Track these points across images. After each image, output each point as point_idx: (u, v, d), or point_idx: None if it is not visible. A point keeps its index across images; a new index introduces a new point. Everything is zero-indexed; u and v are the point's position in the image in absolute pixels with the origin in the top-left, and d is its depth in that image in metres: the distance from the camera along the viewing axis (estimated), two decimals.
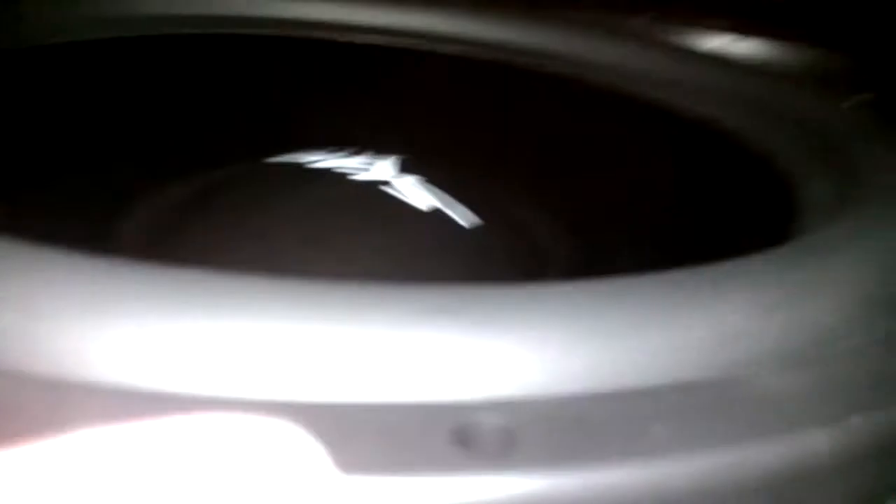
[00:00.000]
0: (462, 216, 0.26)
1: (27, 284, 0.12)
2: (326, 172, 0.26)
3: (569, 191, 0.32)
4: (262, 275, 0.13)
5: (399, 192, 0.26)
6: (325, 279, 0.13)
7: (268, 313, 0.12)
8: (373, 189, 0.26)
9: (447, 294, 0.13)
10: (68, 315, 0.12)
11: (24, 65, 0.28)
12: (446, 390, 0.12)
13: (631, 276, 0.14)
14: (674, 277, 0.14)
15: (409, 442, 0.11)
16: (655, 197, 0.30)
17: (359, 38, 0.35)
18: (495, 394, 0.12)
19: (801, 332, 0.14)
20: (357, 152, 0.28)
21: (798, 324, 0.14)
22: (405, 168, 0.27)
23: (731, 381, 0.13)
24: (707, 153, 0.29)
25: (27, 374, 0.12)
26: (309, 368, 0.12)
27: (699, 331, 0.13)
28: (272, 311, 0.12)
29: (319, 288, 0.13)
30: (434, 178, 0.27)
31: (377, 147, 0.28)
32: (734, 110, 0.30)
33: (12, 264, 0.13)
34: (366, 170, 0.27)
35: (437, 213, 0.25)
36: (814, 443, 0.12)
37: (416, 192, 0.26)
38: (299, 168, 0.27)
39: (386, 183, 0.26)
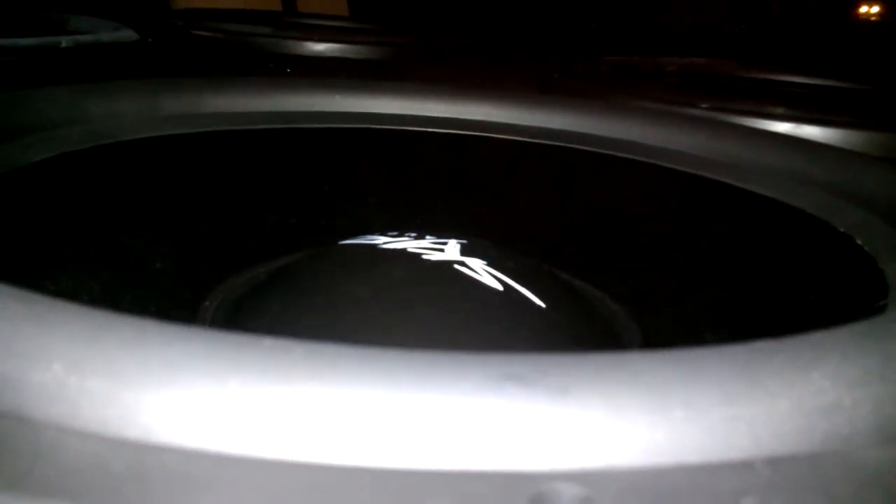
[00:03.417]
0: (532, 294, 0.26)
1: (116, 352, 0.13)
2: (399, 253, 0.27)
3: (637, 269, 0.31)
4: (342, 344, 0.13)
5: (470, 271, 0.26)
6: (405, 349, 0.13)
7: (347, 381, 0.12)
8: (445, 269, 0.26)
9: (530, 362, 0.13)
10: (149, 380, 0.12)
11: (117, 157, 0.30)
12: (527, 459, 0.12)
13: (718, 345, 0.14)
14: (763, 347, 0.14)
15: None
16: (728, 277, 0.29)
17: (430, 129, 0.37)
18: (577, 464, 0.12)
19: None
20: (423, 234, 0.28)
21: (893, 396, 0.13)
22: (471, 249, 0.27)
23: (825, 455, 0.12)
24: (786, 231, 0.29)
25: (113, 437, 0.12)
26: (389, 434, 0.12)
27: (791, 403, 0.13)
28: (351, 379, 0.12)
29: (398, 357, 0.13)
30: (498, 257, 0.27)
31: (443, 229, 0.29)
32: (813, 188, 0.30)
33: (108, 335, 0.13)
34: (436, 250, 0.27)
35: (509, 292, 0.25)
36: None
37: (486, 272, 0.26)
38: (372, 249, 0.27)
39: (457, 263, 0.26)
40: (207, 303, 0.28)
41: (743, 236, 0.31)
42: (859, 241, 0.26)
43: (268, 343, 0.13)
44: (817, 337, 0.15)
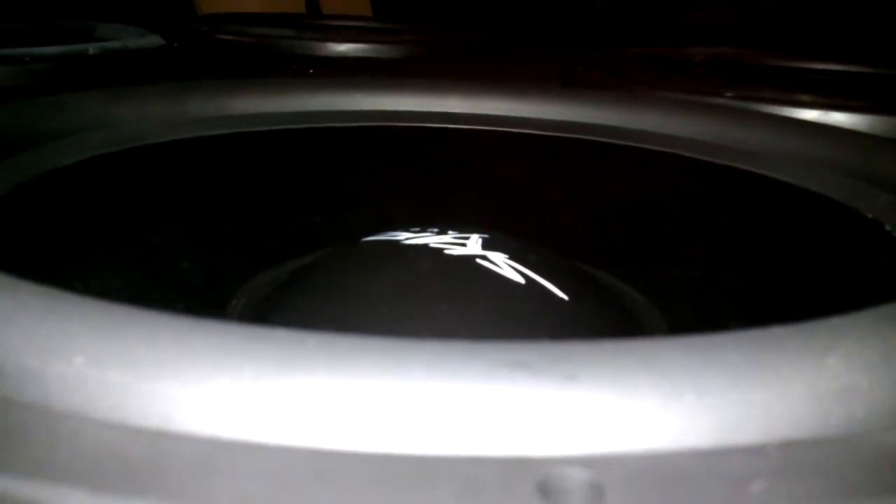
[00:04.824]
0: (555, 287, 0.26)
1: (135, 345, 0.13)
2: (422, 248, 0.27)
3: (662, 259, 0.31)
4: (353, 335, 0.13)
5: (492, 265, 0.26)
6: (415, 338, 0.13)
7: (357, 370, 0.12)
8: (468, 263, 0.26)
9: (538, 350, 0.13)
10: (174, 372, 0.13)
11: (145, 160, 0.31)
12: (535, 444, 0.12)
13: (733, 331, 0.14)
14: (777, 331, 0.14)
15: (494, 494, 0.10)
16: (756, 267, 0.29)
17: (447, 125, 0.37)
18: (585, 449, 0.12)
19: None
20: (445, 230, 0.29)
21: None
22: (493, 243, 0.27)
23: (841, 439, 0.12)
24: (815, 219, 0.28)
25: (131, 426, 0.12)
26: (398, 421, 0.12)
27: (805, 386, 0.13)
28: (361, 368, 0.13)
29: (408, 346, 0.13)
30: (521, 251, 0.27)
31: (465, 224, 0.29)
32: (840, 175, 0.30)
33: (127, 329, 0.14)
34: (458, 245, 0.27)
35: (531, 285, 0.25)
36: None
37: (508, 265, 0.26)
38: (395, 245, 0.27)
39: (480, 257, 0.26)
40: (234, 301, 0.28)
41: (771, 225, 0.30)
42: (888, 228, 0.25)
43: (281, 334, 0.13)
44: (834, 320, 0.14)
